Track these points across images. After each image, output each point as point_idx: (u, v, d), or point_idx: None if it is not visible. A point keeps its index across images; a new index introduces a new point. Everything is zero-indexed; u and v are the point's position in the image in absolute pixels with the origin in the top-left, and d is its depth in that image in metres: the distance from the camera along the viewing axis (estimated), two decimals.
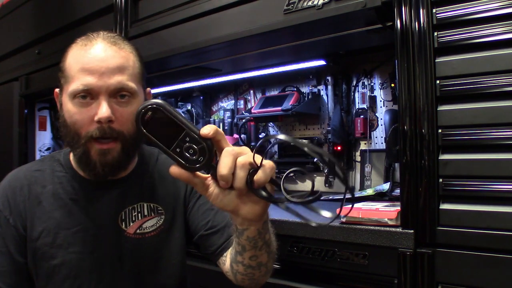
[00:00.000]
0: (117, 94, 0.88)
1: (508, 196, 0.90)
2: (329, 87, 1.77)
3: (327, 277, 1.14)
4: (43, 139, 2.51)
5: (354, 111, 1.72)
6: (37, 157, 2.43)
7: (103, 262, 0.93)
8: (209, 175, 0.67)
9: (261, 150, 0.65)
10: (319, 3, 1.21)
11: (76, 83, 0.87)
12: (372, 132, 1.69)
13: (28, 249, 0.92)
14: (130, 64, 0.91)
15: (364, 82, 1.71)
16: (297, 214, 0.64)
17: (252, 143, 1.98)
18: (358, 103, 1.72)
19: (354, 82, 1.73)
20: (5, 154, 2.46)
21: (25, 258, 0.92)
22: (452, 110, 0.97)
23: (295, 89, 1.89)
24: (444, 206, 0.97)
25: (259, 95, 2.06)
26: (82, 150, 0.88)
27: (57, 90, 0.95)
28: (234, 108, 2.15)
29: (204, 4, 1.50)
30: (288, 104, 1.77)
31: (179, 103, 2.26)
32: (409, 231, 0.99)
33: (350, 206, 1.08)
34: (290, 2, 1.27)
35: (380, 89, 1.68)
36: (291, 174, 1.79)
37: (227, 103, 2.21)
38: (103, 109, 0.85)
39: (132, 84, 0.89)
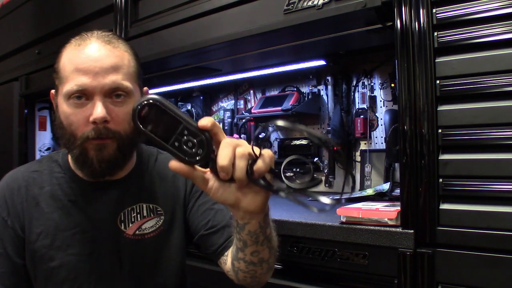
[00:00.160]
0: (112, 93, 0.87)
1: (508, 196, 0.90)
2: (329, 87, 1.77)
3: (327, 277, 1.14)
4: (43, 139, 2.51)
5: (354, 111, 1.72)
6: (37, 157, 2.43)
7: (102, 263, 0.92)
8: (208, 169, 0.67)
9: (259, 143, 0.65)
10: (319, 3, 1.21)
11: (70, 83, 0.86)
12: (372, 132, 1.69)
13: (26, 251, 0.92)
14: (125, 63, 0.89)
15: (364, 82, 1.71)
16: (297, 201, 0.64)
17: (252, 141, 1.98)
18: (358, 103, 1.72)
19: (354, 82, 1.73)
20: (5, 154, 2.46)
21: (24, 260, 0.92)
22: (452, 110, 0.97)
23: (295, 89, 1.89)
24: (444, 206, 0.97)
25: (259, 95, 2.07)
26: (79, 151, 0.87)
27: (52, 91, 0.94)
28: (234, 108, 2.15)
29: (204, 4, 1.50)
30: (288, 104, 1.77)
31: (179, 103, 2.26)
32: (409, 231, 0.99)
33: (351, 205, 1.08)
34: (290, 2, 1.27)
35: (380, 89, 1.68)
36: (291, 174, 1.79)
37: (227, 103, 2.21)
38: (98, 110, 0.84)
39: (127, 83, 0.88)
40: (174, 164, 0.64)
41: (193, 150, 0.63)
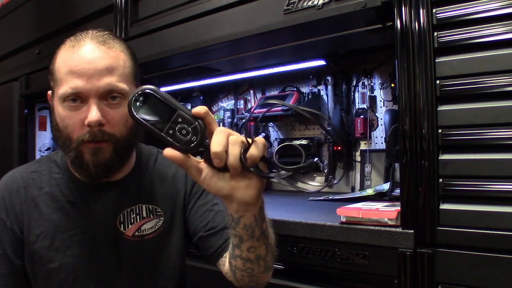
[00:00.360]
0: (108, 96, 0.86)
1: (508, 196, 0.90)
2: (329, 87, 1.77)
3: (327, 277, 1.14)
4: (43, 139, 2.51)
5: (354, 111, 1.72)
6: (37, 157, 2.43)
7: (101, 265, 0.92)
8: (202, 159, 0.67)
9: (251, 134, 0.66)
10: (319, 3, 1.21)
11: (65, 86, 0.85)
12: (372, 132, 1.69)
13: (26, 252, 0.91)
14: (120, 64, 0.88)
15: (364, 82, 1.71)
16: (292, 184, 0.66)
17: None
18: (358, 103, 1.72)
19: (354, 82, 1.73)
20: (5, 154, 2.46)
21: (23, 261, 0.91)
22: (452, 110, 0.97)
23: (295, 89, 1.89)
24: (444, 206, 0.97)
25: (259, 95, 2.06)
26: (74, 153, 0.87)
27: (49, 92, 0.93)
28: (234, 108, 2.15)
29: (204, 4, 1.50)
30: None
31: (180, 103, 2.26)
32: (409, 231, 0.99)
33: (351, 205, 1.08)
34: (290, 2, 1.27)
35: (380, 89, 1.68)
36: (291, 173, 1.78)
37: (227, 103, 2.21)
38: (93, 113, 0.83)
39: (122, 85, 0.87)
40: (168, 152, 0.65)
41: (187, 137, 0.65)
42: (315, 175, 1.79)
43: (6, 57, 2.61)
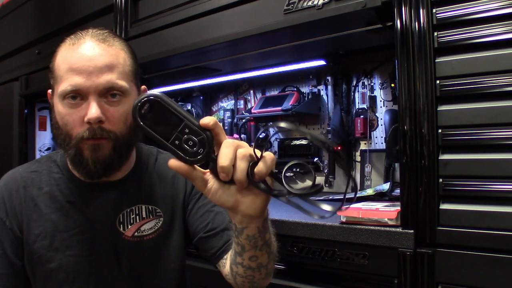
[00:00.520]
0: (108, 93, 0.85)
1: (508, 196, 0.90)
2: (329, 87, 1.77)
3: (327, 277, 1.14)
4: (43, 139, 2.51)
5: (354, 111, 1.72)
6: (37, 157, 2.42)
7: (101, 265, 0.92)
8: (208, 170, 0.65)
9: (261, 145, 0.64)
10: (319, 3, 1.21)
11: (65, 83, 0.85)
12: (372, 132, 1.69)
13: (25, 252, 0.91)
14: (120, 62, 0.88)
15: (364, 82, 1.71)
16: (298, 207, 0.62)
17: (252, 143, 1.98)
18: (358, 103, 1.72)
19: (354, 82, 1.73)
20: (5, 154, 2.46)
21: (23, 261, 0.91)
22: (452, 110, 0.97)
23: (295, 89, 1.89)
24: (444, 206, 0.97)
25: (259, 95, 2.06)
26: (74, 151, 0.87)
27: (49, 91, 0.93)
28: (234, 108, 2.15)
29: (204, 4, 1.50)
30: (288, 104, 1.77)
31: (179, 103, 2.26)
32: (409, 231, 0.99)
33: (350, 204, 1.08)
34: (290, 2, 1.27)
35: (380, 89, 1.68)
36: (291, 174, 1.79)
37: (227, 103, 2.21)
38: (92, 110, 0.83)
39: (122, 83, 0.86)
40: (174, 163, 0.63)
41: (194, 149, 0.62)
42: (315, 175, 1.80)
43: (6, 57, 2.62)
